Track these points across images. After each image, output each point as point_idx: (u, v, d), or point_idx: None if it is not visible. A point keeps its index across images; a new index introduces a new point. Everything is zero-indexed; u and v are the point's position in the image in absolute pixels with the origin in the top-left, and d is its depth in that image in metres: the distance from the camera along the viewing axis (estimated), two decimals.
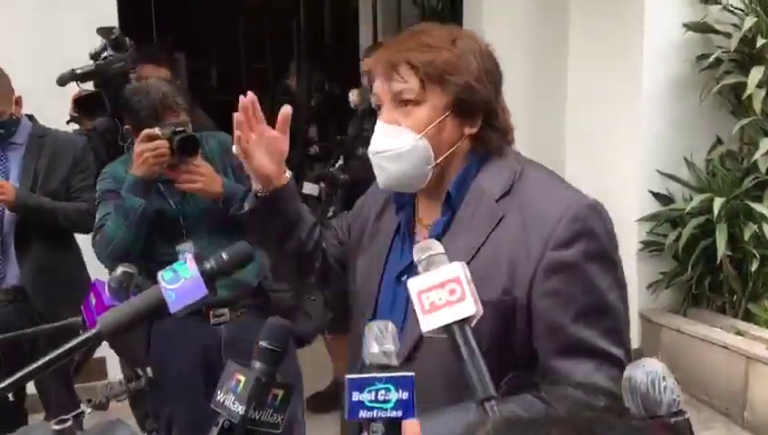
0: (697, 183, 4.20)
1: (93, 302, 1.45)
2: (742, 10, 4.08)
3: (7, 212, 2.78)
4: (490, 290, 1.20)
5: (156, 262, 1.93)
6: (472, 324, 0.99)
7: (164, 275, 1.12)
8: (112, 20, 3.78)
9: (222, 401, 1.06)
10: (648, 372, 0.92)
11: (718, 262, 3.90)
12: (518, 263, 1.22)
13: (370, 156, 1.33)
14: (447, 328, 0.99)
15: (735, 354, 3.74)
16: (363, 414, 0.94)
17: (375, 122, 1.34)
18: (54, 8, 3.63)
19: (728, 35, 4.03)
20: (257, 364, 1.07)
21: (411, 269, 1.17)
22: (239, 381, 1.06)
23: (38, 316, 2.65)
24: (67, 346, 1.13)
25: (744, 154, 4.22)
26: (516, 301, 1.23)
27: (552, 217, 1.22)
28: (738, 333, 3.89)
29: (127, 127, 2.48)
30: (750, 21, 3.93)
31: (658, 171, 4.24)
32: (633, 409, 0.91)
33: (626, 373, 0.93)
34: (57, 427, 1.07)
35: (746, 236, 3.83)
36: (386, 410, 0.94)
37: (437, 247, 1.06)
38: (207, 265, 1.18)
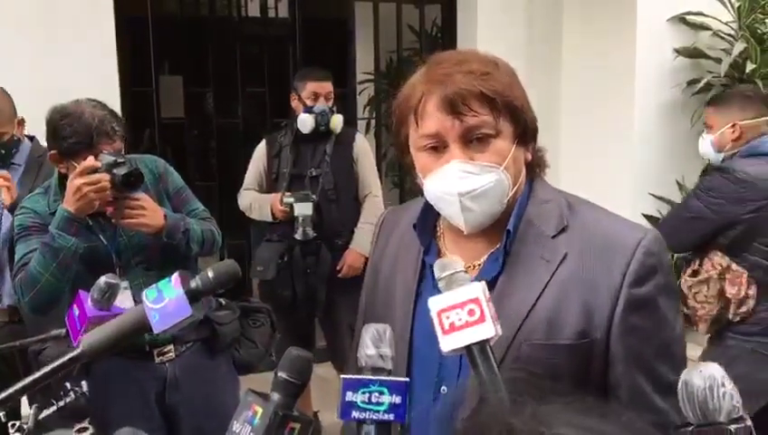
0: None
1: (77, 313, 1.45)
2: (731, 36, 4.14)
3: (2, 229, 2.77)
4: (564, 333, 1.16)
5: None
6: (491, 343, 0.96)
7: (148, 295, 1.10)
8: (111, 45, 3.83)
9: (238, 431, 1.01)
10: (705, 377, 0.88)
11: None
12: (593, 303, 1.16)
13: (449, 197, 1.18)
14: (467, 349, 0.96)
15: None
16: (355, 414, 0.95)
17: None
18: (54, 35, 3.67)
19: (718, 60, 4.08)
20: (275, 396, 1.02)
21: None
22: (256, 412, 1.00)
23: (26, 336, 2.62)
24: (52, 365, 1.13)
25: None
26: (594, 342, 1.17)
27: (624, 252, 1.17)
28: None
29: (52, 152, 2.18)
30: (740, 46, 3.99)
31: (651, 194, 4.26)
32: (690, 415, 0.87)
33: (682, 378, 0.89)
34: None
35: None
36: (378, 412, 0.94)
37: (458, 265, 1.02)
38: (193, 284, 1.16)
